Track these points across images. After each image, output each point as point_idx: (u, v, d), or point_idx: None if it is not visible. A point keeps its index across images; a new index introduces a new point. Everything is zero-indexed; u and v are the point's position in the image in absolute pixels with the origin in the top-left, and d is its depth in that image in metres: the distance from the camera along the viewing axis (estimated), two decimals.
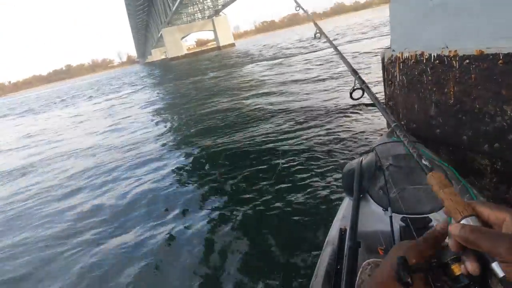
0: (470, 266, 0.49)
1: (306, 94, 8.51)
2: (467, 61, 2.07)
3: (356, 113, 5.88)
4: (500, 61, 1.88)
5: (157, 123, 9.94)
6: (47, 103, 31.21)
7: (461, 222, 0.49)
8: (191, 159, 5.88)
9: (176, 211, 3.97)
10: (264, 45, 39.54)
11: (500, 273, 0.46)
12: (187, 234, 3.42)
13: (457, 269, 0.53)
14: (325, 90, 8.42)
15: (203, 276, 2.73)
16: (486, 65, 1.97)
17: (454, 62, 2.17)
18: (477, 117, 2.11)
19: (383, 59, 2.89)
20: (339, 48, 2.07)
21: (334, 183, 3.58)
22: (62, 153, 8.63)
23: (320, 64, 13.22)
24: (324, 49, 18.19)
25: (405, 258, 0.51)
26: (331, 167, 4.00)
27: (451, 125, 2.32)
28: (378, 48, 12.89)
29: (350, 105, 6.38)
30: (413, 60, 2.51)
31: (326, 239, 1.71)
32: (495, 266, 0.46)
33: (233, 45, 74.78)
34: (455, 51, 2.15)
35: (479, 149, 2.16)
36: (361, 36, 21.01)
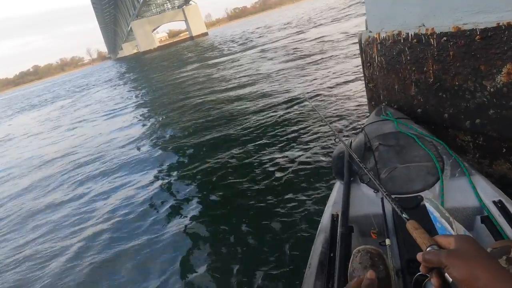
0: (433, 281, 0.59)
1: (286, 81, 8.43)
2: (445, 38, 2.06)
3: (342, 96, 5.87)
4: (478, 36, 1.87)
5: (129, 122, 9.69)
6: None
7: (426, 250, 0.62)
8: (168, 156, 5.76)
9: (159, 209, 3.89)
10: (235, 33, 38.92)
11: (449, 279, 0.55)
12: (179, 226, 3.39)
13: None
14: (305, 77, 8.37)
15: (194, 267, 2.73)
16: (464, 42, 1.96)
17: (431, 40, 2.15)
18: (457, 94, 2.12)
19: (360, 41, 2.86)
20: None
21: (325, 167, 3.52)
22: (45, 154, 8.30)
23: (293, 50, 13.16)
24: (286, 37, 18.17)
25: None
26: (320, 151, 3.96)
27: (432, 103, 2.32)
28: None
29: (330, 89, 6.38)
30: (390, 41, 2.48)
31: (319, 227, 1.67)
32: (446, 275, 0.56)
33: (206, 34, 73.29)
34: (432, 28, 2.13)
35: (461, 125, 2.18)
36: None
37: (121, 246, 3.41)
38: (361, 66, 3.01)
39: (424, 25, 2.21)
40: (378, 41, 2.59)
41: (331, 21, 18.37)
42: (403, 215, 0.79)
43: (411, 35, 2.29)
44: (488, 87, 1.92)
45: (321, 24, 19.01)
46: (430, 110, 2.36)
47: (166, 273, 2.76)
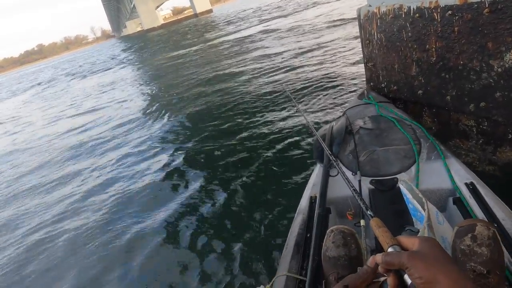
0: (390, 280, 0.58)
1: (277, 66, 8.08)
2: (450, 12, 1.86)
3: (330, 80, 5.65)
4: (486, 9, 1.68)
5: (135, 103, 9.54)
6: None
7: (388, 250, 0.59)
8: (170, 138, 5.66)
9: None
10: (239, 10, 37.82)
11: (408, 281, 0.54)
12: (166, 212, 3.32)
13: None
14: (295, 62, 8.03)
15: (173, 249, 2.75)
16: (470, 16, 1.76)
17: (435, 14, 1.95)
18: (461, 75, 1.94)
19: (359, 16, 2.65)
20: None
21: (307, 150, 3.49)
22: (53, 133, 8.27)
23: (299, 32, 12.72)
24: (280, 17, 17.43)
25: (347, 286, 0.69)
26: (304, 134, 3.90)
27: (433, 85, 2.14)
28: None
29: (318, 77, 6.14)
30: (391, 15, 2.27)
31: (297, 209, 1.70)
32: (406, 277, 0.55)
33: (210, 11, 71.60)
34: (436, 1, 1.93)
35: (464, 109, 2.01)
36: None
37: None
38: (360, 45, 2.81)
39: None
40: (378, 16, 2.39)
41: None
42: (368, 212, 0.76)
43: (413, 9, 2.09)
44: (496, 67, 1.74)
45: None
46: (431, 91, 2.18)
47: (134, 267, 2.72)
